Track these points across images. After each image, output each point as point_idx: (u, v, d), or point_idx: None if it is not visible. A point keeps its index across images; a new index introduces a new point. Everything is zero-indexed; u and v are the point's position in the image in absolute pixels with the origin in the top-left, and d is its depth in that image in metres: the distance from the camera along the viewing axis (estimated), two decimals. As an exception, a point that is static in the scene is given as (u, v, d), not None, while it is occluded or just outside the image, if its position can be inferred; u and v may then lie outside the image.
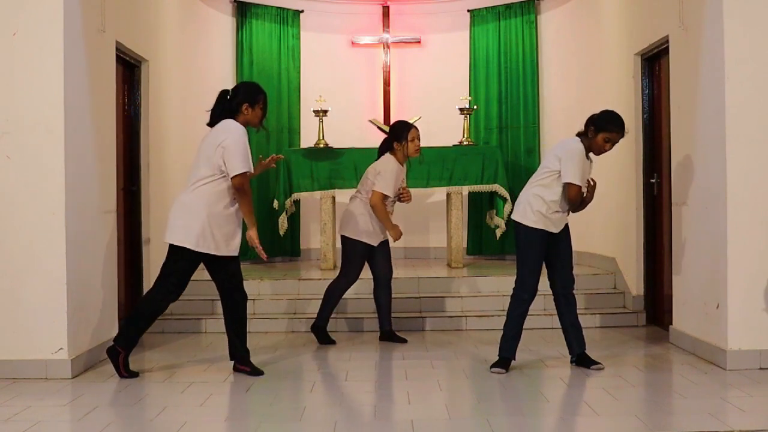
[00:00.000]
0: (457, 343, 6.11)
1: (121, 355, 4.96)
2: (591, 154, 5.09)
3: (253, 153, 8.61)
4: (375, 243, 5.98)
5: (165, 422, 4.10)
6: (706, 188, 5.32)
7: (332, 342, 6.06)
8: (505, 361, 5.10)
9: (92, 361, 5.32)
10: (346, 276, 6.03)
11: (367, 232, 5.95)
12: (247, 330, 5.21)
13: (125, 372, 4.97)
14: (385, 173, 5.89)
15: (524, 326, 5.16)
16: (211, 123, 5.04)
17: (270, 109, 8.88)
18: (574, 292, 5.24)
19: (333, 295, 6.06)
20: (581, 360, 5.18)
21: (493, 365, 5.09)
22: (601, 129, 4.96)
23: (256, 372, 5.07)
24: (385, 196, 5.89)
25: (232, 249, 4.99)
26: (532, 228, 5.03)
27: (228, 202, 4.93)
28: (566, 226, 5.16)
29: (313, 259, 9.01)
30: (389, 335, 6.12)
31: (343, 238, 6.03)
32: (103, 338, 5.53)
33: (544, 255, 5.09)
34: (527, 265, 5.07)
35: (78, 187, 5.16)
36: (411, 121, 8.63)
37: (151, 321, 5.06)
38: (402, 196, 6.04)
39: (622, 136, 5.02)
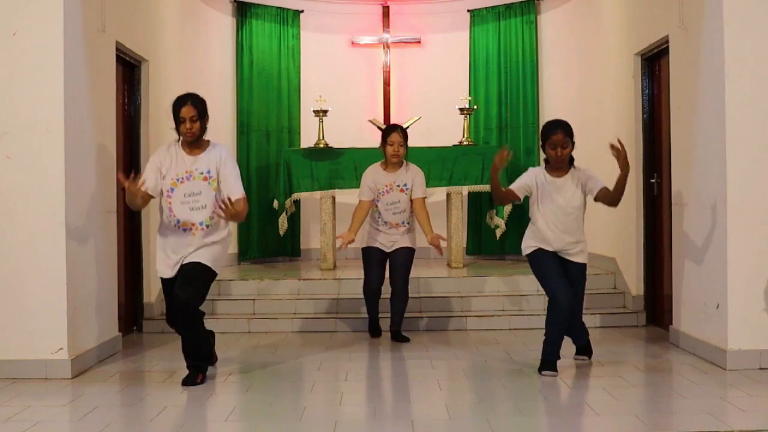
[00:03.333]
0: (457, 343, 6.10)
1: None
2: (575, 171, 5.05)
3: (253, 153, 8.76)
4: (371, 244, 6.19)
5: (165, 422, 4.10)
6: (706, 188, 5.32)
7: (378, 335, 6.31)
8: (548, 363, 5.00)
9: (92, 361, 5.32)
10: (364, 280, 6.26)
11: (366, 237, 6.25)
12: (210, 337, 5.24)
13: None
14: (362, 179, 6.24)
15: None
16: None
17: (270, 109, 8.97)
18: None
19: (366, 300, 6.31)
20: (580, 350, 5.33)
21: (541, 369, 4.97)
22: (543, 141, 5.04)
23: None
24: (362, 201, 6.16)
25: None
26: (527, 255, 5.10)
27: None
28: (582, 270, 5.09)
29: (313, 259, 9.00)
30: (393, 335, 6.20)
31: None
32: (103, 338, 5.53)
33: (556, 266, 4.98)
34: (546, 280, 5.01)
35: (78, 187, 5.16)
36: (410, 122, 8.73)
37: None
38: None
39: (560, 131, 4.97)
